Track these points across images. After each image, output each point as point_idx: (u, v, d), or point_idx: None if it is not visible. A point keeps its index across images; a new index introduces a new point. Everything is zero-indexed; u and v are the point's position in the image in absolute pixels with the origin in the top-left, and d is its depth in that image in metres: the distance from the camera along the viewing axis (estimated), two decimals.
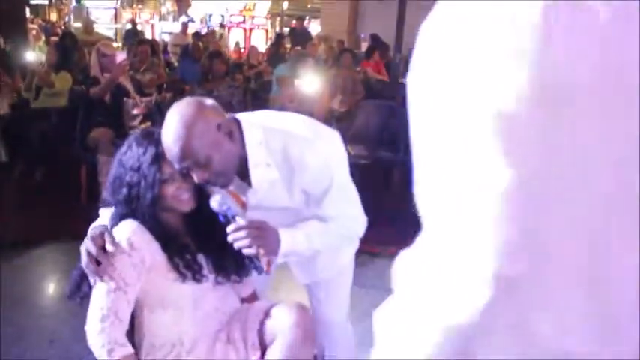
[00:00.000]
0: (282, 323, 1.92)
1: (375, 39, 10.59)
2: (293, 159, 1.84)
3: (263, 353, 1.93)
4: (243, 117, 1.92)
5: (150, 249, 1.85)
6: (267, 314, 1.98)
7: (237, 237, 1.79)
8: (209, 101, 1.85)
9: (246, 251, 1.81)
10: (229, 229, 1.81)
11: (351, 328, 2.40)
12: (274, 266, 2.24)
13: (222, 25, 17.05)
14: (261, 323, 1.96)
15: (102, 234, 1.85)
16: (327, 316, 2.28)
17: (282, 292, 3.83)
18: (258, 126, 1.88)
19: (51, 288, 4.05)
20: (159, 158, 1.82)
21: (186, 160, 1.74)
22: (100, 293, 1.80)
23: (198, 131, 1.72)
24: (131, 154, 1.87)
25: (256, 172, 1.86)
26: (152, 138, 1.87)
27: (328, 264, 2.16)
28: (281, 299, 3.53)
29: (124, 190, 1.86)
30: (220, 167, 1.78)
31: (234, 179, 1.90)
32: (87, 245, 1.83)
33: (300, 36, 11.66)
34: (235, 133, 1.83)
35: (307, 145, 1.86)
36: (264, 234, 1.82)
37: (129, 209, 1.87)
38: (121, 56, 5.42)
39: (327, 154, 1.90)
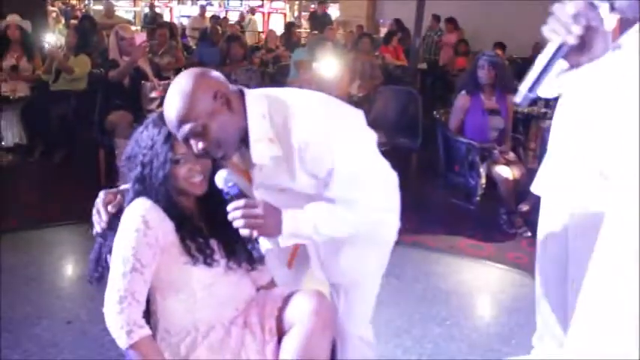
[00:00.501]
0: (301, 311, 1.89)
1: (398, 24, 10.51)
2: (293, 135, 1.76)
3: (280, 340, 1.91)
4: (252, 90, 1.86)
5: (163, 228, 1.84)
6: (286, 301, 1.95)
7: (234, 216, 1.75)
8: (209, 72, 1.81)
9: (241, 232, 1.77)
10: (228, 207, 1.77)
11: (371, 344, 2.24)
12: (297, 262, 2.17)
13: (252, 11, 16.88)
14: (280, 310, 1.93)
15: (114, 194, 1.92)
16: (344, 325, 2.13)
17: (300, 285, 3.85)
18: (263, 98, 1.82)
19: (68, 269, 4.07)
20: (171, 137, 1.82)
21: (182, 126, 1.72)
22: (116, 275, 1.79)
23: (193, 98, 1.71)
24: (147, 133, 1.87)
25: (257, 146, 1.79)
26: (162, 122, 1.87)
27: (352, 265, 2.07)
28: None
29: (138, 168, 1.86)
30: (218, 137, 1.74)
31: (242, 154, 1.86)
32: (98, 199, 1.91)
33: (320, 20, 11.57)
34: (235, 103, 1.78)
35: (309, 121, 1.78)
36: (260, 214, 1.76)
37: (142, 187, 1.86)
38: (140, 38, 5.40)
39: (332, 132, 1.80)
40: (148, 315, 1.90)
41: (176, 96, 1.73)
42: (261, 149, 1.80)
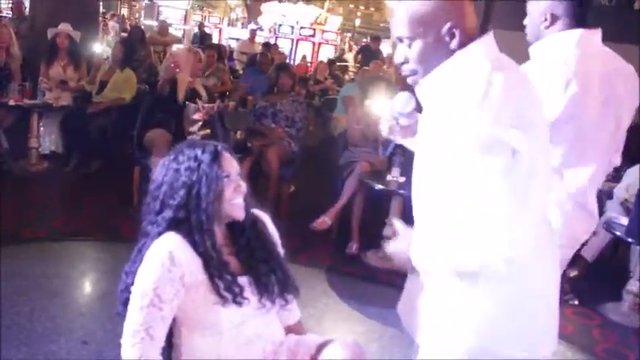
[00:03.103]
0: None
1: None
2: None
3: None
4: (487, 50, 1.59)
5: (190, 266, 1.79)
6: (319, 351, 1.93)
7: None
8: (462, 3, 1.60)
9: None
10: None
11: None
12: None
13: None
14: (313, 358, 1.92)
15: None
16: None
17: (327, 322, 3.66)
18: (486, 61, 1.54)
19: (90, 287, 3.97)
20: (218, 156, 1.84)
21: (400, 26, 1.59)
22: (134, 308, 1.76)
23: (422, 8, 1.56)
24: (185, 157, 1.85)
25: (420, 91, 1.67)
26: (201, 143, 1.90)
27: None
28: (325, 329, 3.49)
29: (181, 192, 1.82)
30: (419, 60, 1.60)
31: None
32: None
33: (372, 55, 11.42)
34: (460, 44, 1.56)
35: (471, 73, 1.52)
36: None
37: (185, 213, 1.81)
38: (172, 57, 5.44)
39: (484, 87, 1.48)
40: (170, 347, 1.88)
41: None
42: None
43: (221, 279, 1.81)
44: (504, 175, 1.42)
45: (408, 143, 2.05)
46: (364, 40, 16.34)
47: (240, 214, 1.88)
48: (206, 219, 1.81)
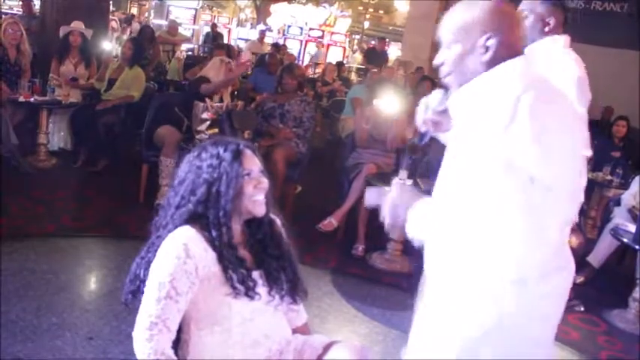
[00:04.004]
0: None
1: None
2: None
3: None
4: (525, 66, 1.65)
5: (205, 258, 1.81)
6: (325, 351, 1.94)
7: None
8: (503, 15, 1.66)
9: None
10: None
11: None
12: None
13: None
14: (319, 358, 1.94)
15: None
16: None
17: (332, 323, 3.66)
18: (520, 79, 1.59)
19: (97, 283, 3.98)
20: (240, 153, 1.88)
21: (444, 29, 1.69)
22: (150, 300, 1.76)
23: (465, 16, 1.65)
24: (207, 154, 1.89)
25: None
26: (225, 141, 1.93)
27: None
28: (329, 330, 3.49)
29: (203, 189, 1.86)
30: (454, 64, 1.67)
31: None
32: None
33: (377, 57, 11.42)
34: (493, 57, 1.62)
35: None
36: None
37: (203, 209, 1.85)
38: (245, 56, 5.45)
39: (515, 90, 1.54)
40: (177, 343, 1.88)
41: (460, 5, 1.69)
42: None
43: (235, 272, 1.84)
44: (520, 196, 1.45)
45: (441, 137, 2.10)
46: (372, 41, 16.35)
47: (260, 211, 1.92)
48: (223, 215, 1.85)
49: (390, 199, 1.76)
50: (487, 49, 1.60)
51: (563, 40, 2.62)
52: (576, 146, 1.60)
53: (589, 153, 1.85)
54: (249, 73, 8.44)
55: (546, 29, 2.59)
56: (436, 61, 1.73)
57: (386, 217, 1.76)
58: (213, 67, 5.43)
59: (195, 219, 1.85)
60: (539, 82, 1.61)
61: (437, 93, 1.88)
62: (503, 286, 1.54)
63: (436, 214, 1.65)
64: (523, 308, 1.58)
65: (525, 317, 1.60)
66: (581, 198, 1.67)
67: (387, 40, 13.85)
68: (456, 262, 1.60)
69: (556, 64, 2.41)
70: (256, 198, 1.89)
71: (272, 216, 2.05)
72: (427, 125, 1.97)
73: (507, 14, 1.65)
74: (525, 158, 1.45)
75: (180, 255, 1.77)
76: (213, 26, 16.94)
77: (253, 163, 1.91)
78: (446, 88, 1.81)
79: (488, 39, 1.60)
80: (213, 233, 1.84)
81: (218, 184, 1.85)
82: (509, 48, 1.61)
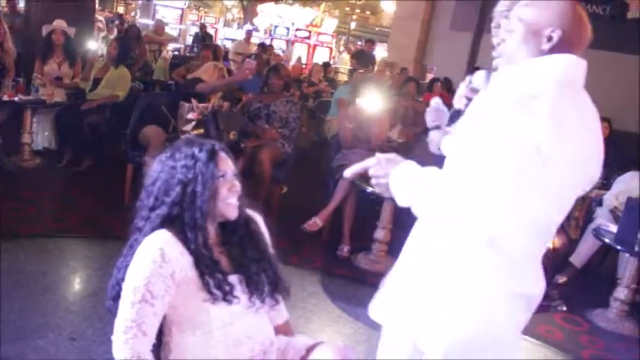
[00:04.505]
0: None
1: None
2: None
3: None
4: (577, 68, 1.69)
5: (181, 262, 1.79)
6: (308, 352, 1.94)
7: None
8: (574, 14, 1.69)
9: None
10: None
11: None
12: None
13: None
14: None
15: None
16: None
17: (316, 323, 3.67)
18: (554, 80, 1.63)
19: (81, 284, 3.97)
20: (215, 155, 1.85)
21: (515, 7, 1.71)
22: (125, 304, 1.75)
23: (539, 4, 1.68)
24: (182, 154, 1.85)
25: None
26: (199, 141, 1.89)
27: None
28: (313, 330, 3.50)
29: (177, 189, 1.82)
30: (513, 44, 1.70)
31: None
32: None
33: (366, 58, 11.43)
34: (551, 49, 1.66)
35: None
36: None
37: (179, 210, 1.82)
38: (249, 64, 5.51)
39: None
40: (159, 344, 1.88)
41: None
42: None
43: (211, 276, 1.81)
44: (519, 161, 1.49)
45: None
46: (359, 42, 16.38)
47: (233, 214, 1.89)
48: (200, 216, 1.82)
49: (376, 157, 1.78)
50: (550, 39, 1.64)
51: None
52: (582, 157, 1.63)
53: (587, 188, 1.85)
54: (234, 71, 8.44)
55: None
56: (495, 40, 1.76)
57: (372, 173, 1.77)
58: (206, 71, 5.44)
59: (170, 221, 1.83)
60: (573, 86, 1.66)
61: (482, 73, 1.90)
62: (479, 249, 1.60)
63: (426, 180, 1.68)
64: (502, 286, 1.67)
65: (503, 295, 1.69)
66: (568, 205, 1.70)
67: (375, 41, 13.86)
68: (438, 223, 1.70)
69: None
70: (230, 201, 1.87)
71: (251, 215, 2.04)
72: (461, 103, 2.00)
73: (577, 14, 1.68)
74: (537, 129, 1.48)
75: (155, 259, 1.75)
76: (202, 27, 16.89)
77: (227, 165, 1.89)
78: (488, 69, 1.84)
79: (553, 30, 1.63)
80: (189, 235, 1.81)
81: (194, 185, 1.82)
82: (569, 44, 1.65)
